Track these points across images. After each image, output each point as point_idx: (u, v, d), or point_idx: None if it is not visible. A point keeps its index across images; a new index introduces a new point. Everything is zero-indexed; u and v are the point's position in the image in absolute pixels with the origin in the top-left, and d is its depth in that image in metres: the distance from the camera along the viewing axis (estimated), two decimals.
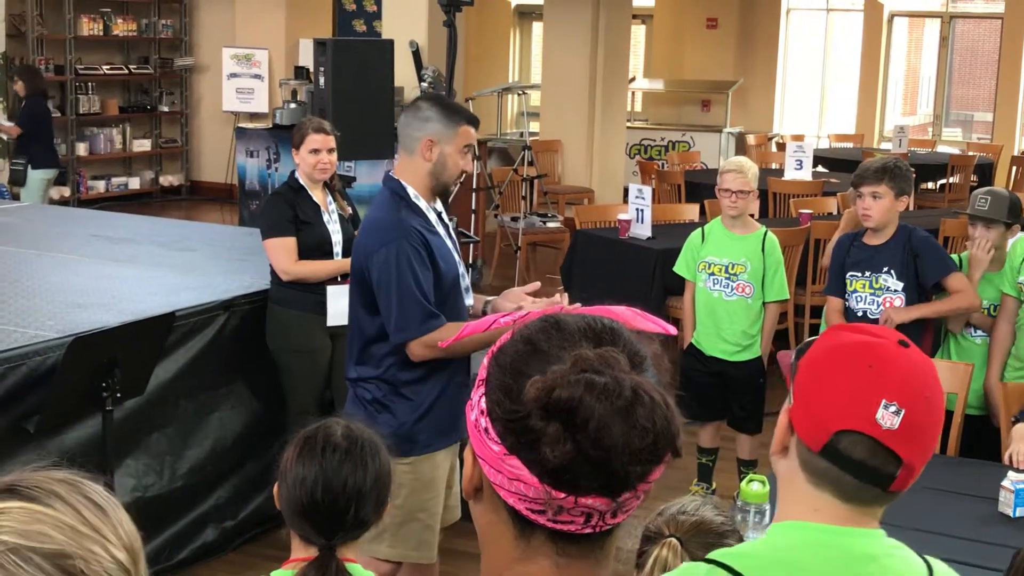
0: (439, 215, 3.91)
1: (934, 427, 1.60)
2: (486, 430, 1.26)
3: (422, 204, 3.83)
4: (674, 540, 2.12)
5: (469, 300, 3.98)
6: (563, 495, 1.21)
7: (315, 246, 5.15)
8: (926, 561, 1.67)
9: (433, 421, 3.84)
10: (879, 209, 4.90)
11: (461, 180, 3.90)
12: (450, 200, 4.20)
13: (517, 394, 1.22)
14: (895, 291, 4.92)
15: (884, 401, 1.56)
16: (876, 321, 4.88)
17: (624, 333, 1.30)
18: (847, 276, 5.01)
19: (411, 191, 3.81)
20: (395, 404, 3.84)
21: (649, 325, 1.38)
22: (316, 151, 5.16)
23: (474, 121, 3.88)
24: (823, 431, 1.58)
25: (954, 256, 5.15)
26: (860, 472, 1.58)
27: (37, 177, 10.08)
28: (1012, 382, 4.66)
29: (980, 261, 5.00)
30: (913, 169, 5.12)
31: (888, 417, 1.55)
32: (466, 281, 3.95)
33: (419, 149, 3.80)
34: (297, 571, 2.30)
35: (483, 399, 1.27)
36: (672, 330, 1.41)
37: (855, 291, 4.98)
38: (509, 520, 1.27)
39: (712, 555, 1.62)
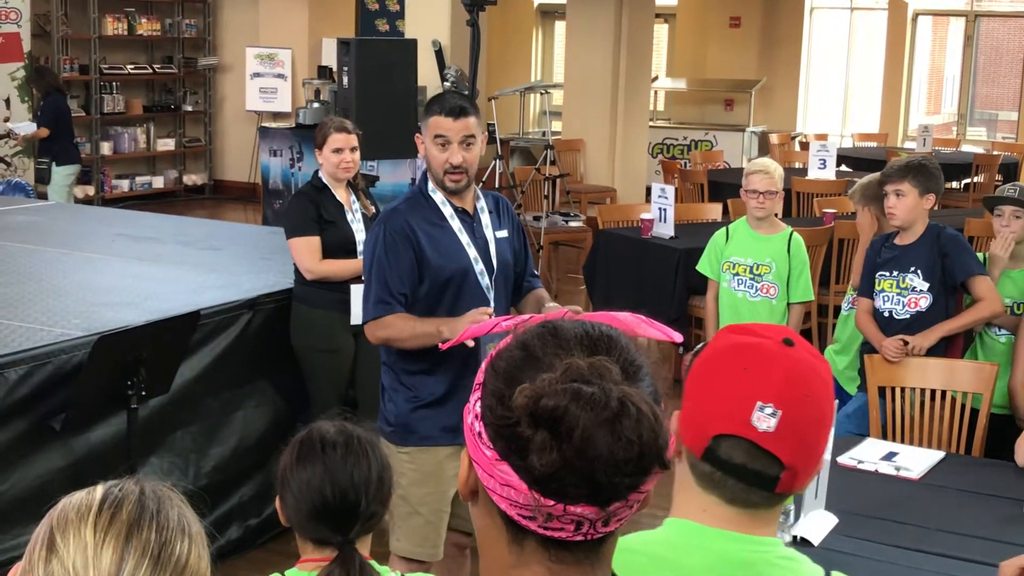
0: (460, 210, 3.91)
1: (818, 427, 1.58)
2: (479, 434, 1.26)
3: (437, 198, 3.88)
4: None
5: (490, 297, 3.90)
6: (552, 503, 1.21)
7: (339, 245, 5.16)
8: (827, 573, 1.64)
9: (436, 415, 3.86)
10: (903, 207, 4.87)
11: (454, 172, 3.81)
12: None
13: (509, 400, 1.22)
14: (921, 291, 4.88)
15: (759, 403, 1.54)
16: (903, 323, 4.87)
17: (621, 341, 1.29)
18: (876, 276, 4.98)
19: (430, 185, 3.90)
20: (397, 392, 3.91)
21: (654, 332, 1.38)
22: (339, 150, 5.18)
23: (450, 111, 3.80)
24: (703, 436, 1.58)
25: (980, 255, 5.13)
26: (742, 476, 1.57)
27: (61, 174, 10.18)
28: None
29: (999, 259, 4.98)
30: (939, 166, 5.09)
31: (763, 419, 1.54)
32: (485, 279, 3.89)
33: (418, 147, 3.95)
34: (320, 571, 2.29)
35: (478, 403, 1.27)
36: (677, 337, 1.40)
37: (882, 291, 4.96)
38: (503, 525, 1.27)
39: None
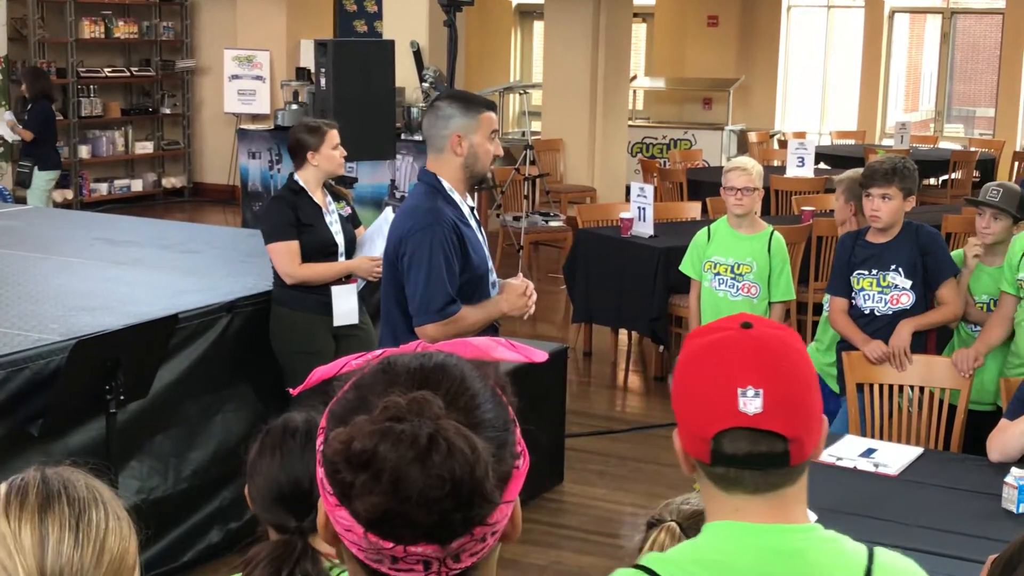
0: (472, 210, 3.98)
1: (804, 393, 1.61)
2: (322, 480, 1.23)
3: (456, 197, 3.93)
4: (673, 524, 2.13)
5: (495, 294, 4.08)
6: (390, 544, 1.17)
7: (318, 248, 5.16)
8: (870, 550, 1.66)
9: None
10: (889, 210, 4.91)
11: (494, 164, 4.01)
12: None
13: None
14: (903, 288, 4.92)
15: (739, 389, 1.57)
16: (885, 319, 4.90)
17: (455, 371, 1.25)
18: (854, 275, 5.01)
19: (446, 184, 3.91)
20: None
21: (511, 355, 1.34)
22: (337, 146, 5.22)
23: (491, 106, 4.01)
24: (703, 441, 1.60)
25: (954, 253, 5.17)
26: (754, 463, 1.59)
27: (42, 178, 10.21)
28: (1015, 378, 4.66)
29: (970, 263, 5.10)
30: (916, 166, 5.14)
31: (749, 402, 1.56)
32: (493, 276, 4.05)
33: (449, 146, 3.90)
34: (259, 547, 2.26)
35: (320, 449, 1.25)
36: (539, 357, 1.36)
37: (862, 289, 4.98)
38: (360, 569, 1.24)
39: (642, 559, 1.63)
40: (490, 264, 4.02)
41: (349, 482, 1.18)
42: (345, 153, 5.27)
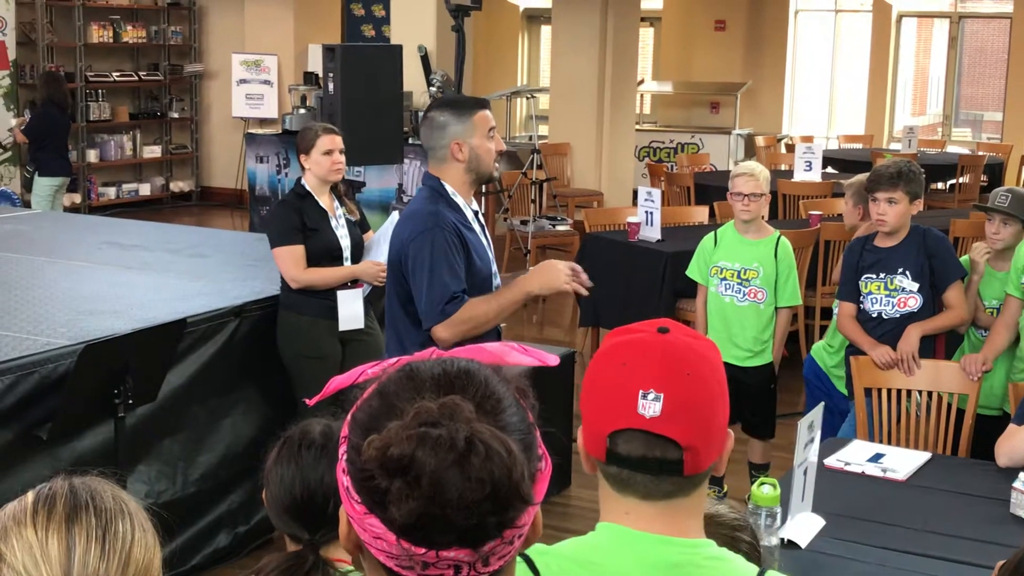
0: (476, 213, 3.97)
1: (705, 402, 1.59)
2: (348, 489, 1.24)
3: (460, 201, 3.91)
4: None
5: None
6: (422, 550, 1.19)
7: (324, 252, 5.16)
8: (761, 573, 1.63)
9: None
10: (895, 214, 4.91)
11: (499, 162, 3.98)
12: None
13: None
14: (910, 291, 4.92)
15: (641, 391, 1.56)
16: (893, 322, 4.90)
17: (480, 376, 1.27)
18: (862, 279, 5.01)
19: (449, 188, 3.90)
20: None
21: (525, 359, 1.36)
22: (329, 152, 5.18)
23: (483, 104, 3.98)
24: (600, 439, 1.60)
25: (962, 259, 5.17)
26: (646, 467, 1.58)
27: (44, 184, 10.06)
28: (1022, 382, 4.65)
29: (977, 266, 5.09)
30: (923, 170, 5.14)
31: (648, 405, 1.56)
32: (497, 280, 4.02)
33: (449, 155, 3.88)
34: (268, 558, 2.28)
35: (344, 457, 1.26)
36: (552, 361, 1.38)
37: (870, 293, 4.99)
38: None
39: (528, 550, 1.60)
40: (494, 268, 4.00)
41: (384, 488, 1.18)
42: (339, 160, 5.19)
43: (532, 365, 1.36)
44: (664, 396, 1.55)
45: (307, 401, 1.55)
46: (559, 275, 3.83)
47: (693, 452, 1.57)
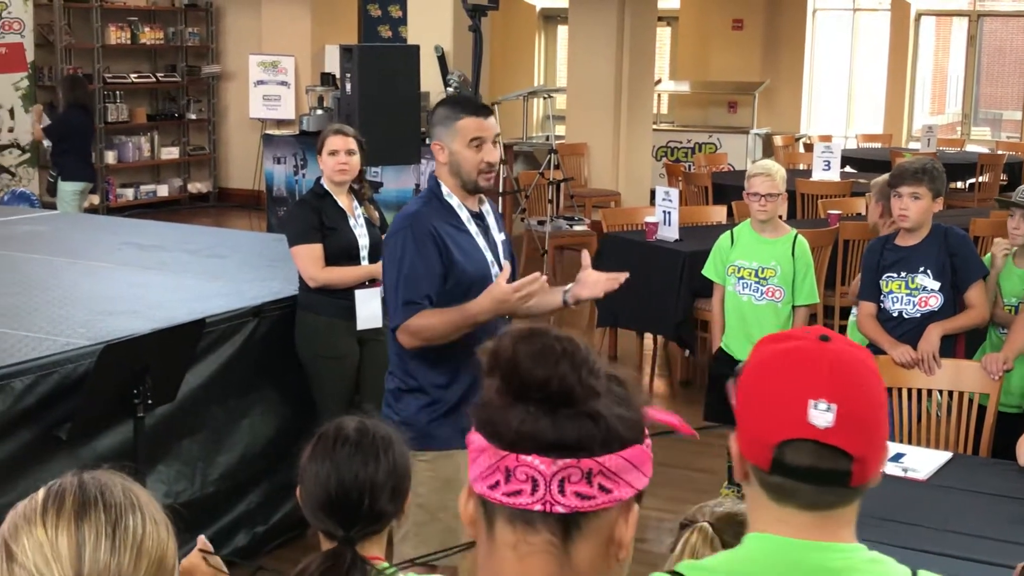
0: (476, 215, 3.92)
1: (875, 413, 1.58)
2: (470, 430, 1.38)
3: (454, 202, 3.87)
4: (705, 525, 2.12)
5: None
6: (505, 452, 1.31)
7: (342, 252, 5.16)
8: (914, 572, 1.63)
9: (454, 421, 3.85)
10: (917, 210, 4.89)
11: (488, 171, 3.85)
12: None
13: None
14: (931, 290, 4.90)
15: (812, 401, 1.54)
16: (914, 321, 4.88)
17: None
18: (883, 278, 4.99)
19: (444, 189, 3.87)
20: (412, 398, 3.88)
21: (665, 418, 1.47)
22: (334, 152, 5.17)
23: (479, 111, 3.85)
24: (765, 448, 1.57)
25: (985, 257, 5.15)
26: (814, 478, 1.56)
27: (67, 190, 9.99)
28: None
29: (997, 262, 5.06)
30: (944, 169, 5.12)
31: (820, 416, 1.53)
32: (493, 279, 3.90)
33: (435, 154, 3.87)
34: (309, 559, 2.28)
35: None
36: (687, 430, 1.51)
37: (891, 292, 4.97)
38: (482, 518, 1.38)
39: (677, 566, 1.62)
40: (493, 271, 3.89)
41: (487, 385, 1.34)
42: (344, 161, 5.16)
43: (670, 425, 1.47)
44: (837, 406, 1.53)
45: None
46: (506, 302, 3.67)
47: (862, 463, 1.56)
